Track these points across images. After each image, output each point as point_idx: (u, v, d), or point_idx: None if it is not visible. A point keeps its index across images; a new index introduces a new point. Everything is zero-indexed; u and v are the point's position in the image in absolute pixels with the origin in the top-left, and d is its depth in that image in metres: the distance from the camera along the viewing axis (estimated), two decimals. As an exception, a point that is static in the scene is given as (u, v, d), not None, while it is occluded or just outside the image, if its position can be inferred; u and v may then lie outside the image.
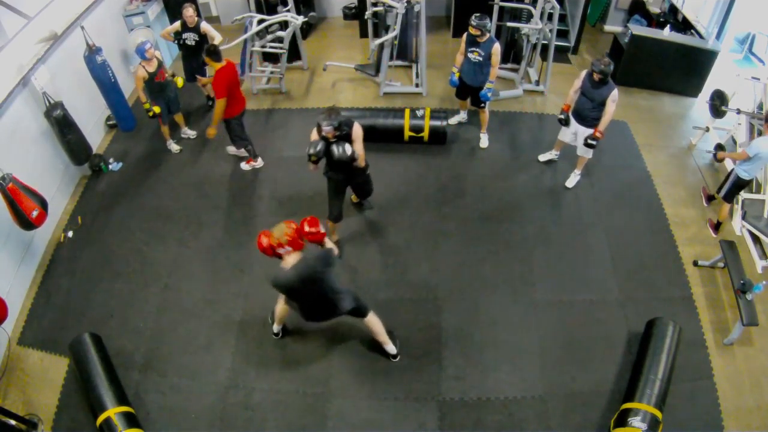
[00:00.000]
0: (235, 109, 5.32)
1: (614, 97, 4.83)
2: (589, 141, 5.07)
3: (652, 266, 4.88)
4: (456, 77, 5.67)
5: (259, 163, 5.91)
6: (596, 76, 4.79)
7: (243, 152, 5.85)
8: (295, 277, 3.37)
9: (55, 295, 4.83)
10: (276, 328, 4.30)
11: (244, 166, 5.88)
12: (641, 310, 4.44)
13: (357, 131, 4.24)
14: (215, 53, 5.00)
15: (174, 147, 6.18)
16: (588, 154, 5.32)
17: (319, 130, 4.11)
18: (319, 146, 4.10)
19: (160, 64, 5.54)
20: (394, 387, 4.09)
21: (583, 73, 5.03)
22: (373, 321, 3.97)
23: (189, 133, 6.41)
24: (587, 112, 5.04)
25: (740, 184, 4.85)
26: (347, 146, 4.11)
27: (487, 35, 5.31)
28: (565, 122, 5.30)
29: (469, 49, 5.40)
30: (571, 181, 5.61)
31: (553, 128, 6.28)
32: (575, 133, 5.29)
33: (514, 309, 4.57)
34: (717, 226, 5.18)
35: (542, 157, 5.92)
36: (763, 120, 4.90)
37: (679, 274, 4.82)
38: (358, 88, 7.14)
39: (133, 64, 6.85)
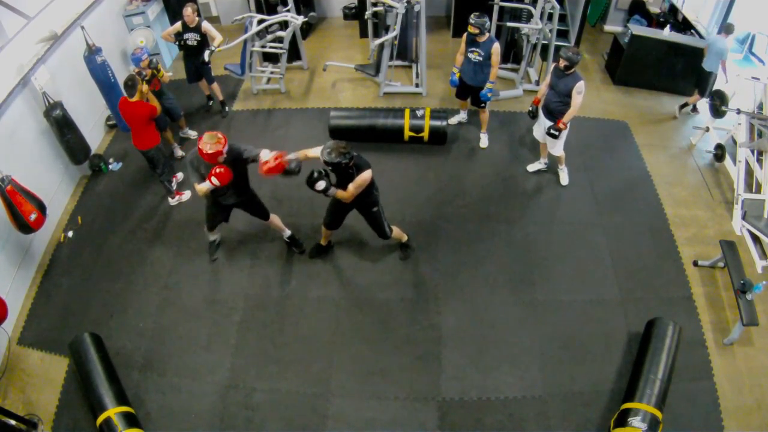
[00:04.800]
0: (135, 142, 5.12)
1: (579, 88, 4.69)
2: (551, 131, 4.97)
3: (652, 266, 4.87)
4: (456, 77, 5.68)
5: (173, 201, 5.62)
6: (561, 63, 4.67)
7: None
8: None
9: (55, 295, 4.83)
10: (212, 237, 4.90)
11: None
12: (641, 310, 4.44)
13: (361, 177, 3.97)
14: (127, 87, 4.81)
15: (179, 152, 6.10)
16: (554, 148, 5.23)
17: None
18: (294, 164, 4.02)
19: (156, 74, 5.48)
20: (394, 387, 4.09)
21: (551, 66, 4.91)
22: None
23: (190, 133, 6.40)
24: (553, 105, 4.96)
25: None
26: (320, 182, 3.91)
27: (487, 35, 5.31)
28: (532, 115, 5.28)
29: (469, 49, 5.40)
30: (564, 179, 5.58)
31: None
32: (545, 128, 5.17)
33: (514, 309, 4.57)
34: None
35: (531, 168, 5.78)
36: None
37: (679, 274, 4.82)
38: (358, 88, 7.14)
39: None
